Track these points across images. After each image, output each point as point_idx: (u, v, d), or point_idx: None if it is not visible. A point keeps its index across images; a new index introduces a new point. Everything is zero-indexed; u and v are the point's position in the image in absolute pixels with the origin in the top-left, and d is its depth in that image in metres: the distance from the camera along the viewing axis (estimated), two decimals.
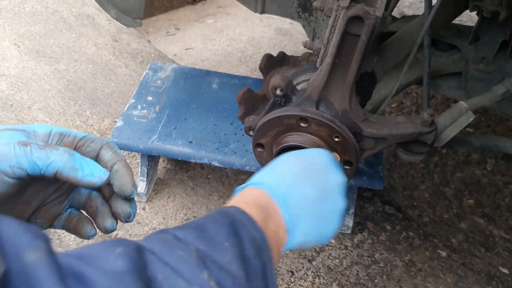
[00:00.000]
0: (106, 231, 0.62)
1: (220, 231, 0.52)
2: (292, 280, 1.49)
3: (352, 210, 1.61)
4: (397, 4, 1.54)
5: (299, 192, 0.66)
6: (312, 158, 0.72)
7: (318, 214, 0.67)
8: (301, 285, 1.48)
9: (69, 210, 0.65)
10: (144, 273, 0.43)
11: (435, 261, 1.59)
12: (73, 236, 1.35)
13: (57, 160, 0.55)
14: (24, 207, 0.60)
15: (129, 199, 0.62)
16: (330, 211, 0.69)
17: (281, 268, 1.51)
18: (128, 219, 0.62)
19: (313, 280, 1.49)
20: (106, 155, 0.60)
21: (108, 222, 0.62)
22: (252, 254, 0.53)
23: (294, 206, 0.64)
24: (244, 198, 0.63)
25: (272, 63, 1.22)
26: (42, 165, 0.54)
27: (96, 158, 0.60)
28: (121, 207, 0.61)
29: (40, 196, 0.61)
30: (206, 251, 0.50)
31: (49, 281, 0.36)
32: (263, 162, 1.02)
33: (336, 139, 0.94)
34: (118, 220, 0.63)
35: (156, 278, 0.44)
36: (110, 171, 0.59)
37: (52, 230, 1.32)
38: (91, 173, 0.56)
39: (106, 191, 0.64)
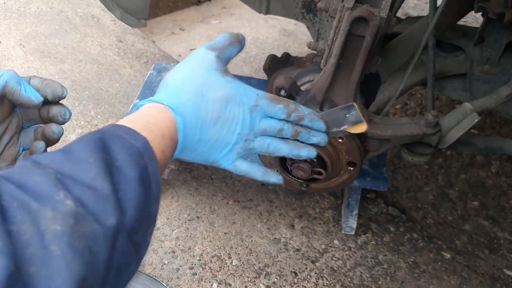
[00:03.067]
0: (55, 134, 0.69)
1: (86, 149, 0.53)
2: (296, 281, 1.49)
3: (355, 212, 1.61)
4: (402, 5, 1.53)
5: (201, 130, 0.69)
6: (232, 105, 0.72)
7: (201, 151, 0.71)
8: (305, 286, 1.48)
9: (23, 151, 0.73)
10: None
11: (439, 263, 1.58)
12: None
13: (6, 74, 0.64)
14: None
15: (61, 104, 0.71)
16: (210, 153, 0.72)
17: (284, 269, 1.51)
18: (64, 116, 0.69)
19: (317, 281, 1.49)
20: (36, 80, 0.69)
21: (53, 127, 0.69)
22: (124, 163, 0.53)
23: (183, 109, 0.67)
24: (135, 113, 0.65)
25: (276, 63, 1.22)
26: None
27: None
28: (56, 109, 0.69)
29: None
30: (67, 172, 0.50)
31: None
32: (266, 162, 1.02)
33: (340, 140, 0.93)
34: None
35: (11, 206, 0.44)
36: (42, 90, 0.68)
37: None
38: (30, 93, 0.65)
39: (46, 121, 0.71)
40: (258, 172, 0.79)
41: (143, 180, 0.54)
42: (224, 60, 0.76)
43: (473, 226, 1.74)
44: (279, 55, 1.23)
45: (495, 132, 2.08)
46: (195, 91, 0.69)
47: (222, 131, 0.71)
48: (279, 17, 2.06)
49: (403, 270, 1.55)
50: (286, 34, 2.85)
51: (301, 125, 0.79)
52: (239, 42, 0.79)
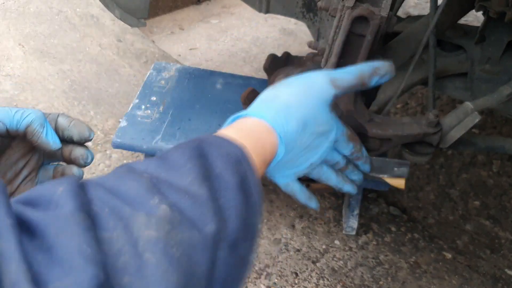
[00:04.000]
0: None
1: (183, 155, 0.50)
2: (296, 281, 1.48)
3: (356, 212, 1.60)
4: (403, 4, 1.53)
5: (294, 129, 0.66)
6: (310, 88, 0.69)
7: (307, 144, 0.69)
8: (305, 287, 1.47)
9: None
10: (88, 209, 0.42)
11: (440, 263, 1.58)
12: None
13: (33, 114, 0.64)
14: (1, 177, 0.67)
15: (85, 146, 0.70)
16: (307, 158, 0.71)
17: (285, 269, 1.51)
18: (86, 160, 0.68)
19: (317, 282, 1.49)
20: (64, 119, 0.68)
21: (74, 169, 0.69)
22: (223, 170, 0.50)
23: (287, 136, 0.65)
24: (231, 127, 0.63)
25: (277, 63, 1.21)
26: (18, 119, 0.63)
27: (55, 126, 0.68)
28: (78, 151, 0.68)
29: (13, 169, 0.68)
30: (162, 177, 0.47)
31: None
32: None
33: None
34: None
35: (102, 213, 0.42)
36: (68, 129, 0.68)
37: None
38: (50, 137, 0.65)
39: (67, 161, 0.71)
40: (303, 196, 0.79)
41: (244, 188, 0.51)
42: (340, 91, 0.72)
43: (474, 226, 1.73)
44: (279, 54, 1.22)
45: (496, 132, 2.08)
46: (303, 121, 0.67)
47: (301, 157, 0.70)
48: (279, 16, 2.06)
49: (404, 270, 1.55)
50: (286, 34, 2.85)
51: (352, 163, 0.81)
52: (370, 79, 0.75)
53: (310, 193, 0.81)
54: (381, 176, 0.89)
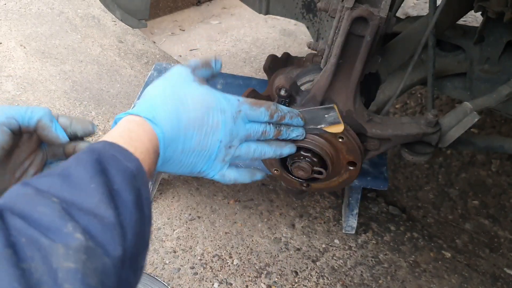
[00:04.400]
0: None
1: (85, 173, 0.51)
2: (296, 280, 1.49)
3: (356, 211, 1.61)
4: (402, 5, 1.54)
5: (184, 141, 0.68)
6: (215, 112, 0.72)
7: (188, 161, 0.71)
8: (305, 286, 1.48)
9: None
10: (8, 240, 0.43)
11: (440, 262, 1.59)
12: None
13: (41, 111, 0.67)
14: (11, 177, 0.69)
15: (87, 141, 0.73)
16: (193, 162, 0.72)
17: (285, 268, 1.52)
18: None
19: (317, 281, 1.49)
20: (64, 119, 0.71)
21: None
22: (122, 187, 0.52)
23: (171, 152, 0.67)
24: (116, 129, 0.64)
25: (277, 64, 1.22)
26: (29, 115, 0.65)
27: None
28: (83, 144, 0.71)
29: (21, 168, 0.70)
30: (71, 199, 0.49)
31: None
32: (267, 162, 1.03)
33: (340, 140, 0.94)
34: None
35: (19, 242, 0.43)
36: (71, 127, 0.70)
37: None
38: (59, 131, 0.68)
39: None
40: (246, 177, 0.80)
41: (138, 204, 0.53)
42: (199, 76, 0.75)
43: (474, 225, 1.74)
44: (279, 55, 1.23)
45: (495, 131, 2.09)
46: (174, 101, 0.68)
47: (207, 139, 0.71)
48: (279, 17, 2.06)
49: (404, 269, 1.55)
50: (286, 34, 2.85)
51: (282, 124, 0.82)
52: (209, 65, 0.78)
53: (249, 170, 0.81)
54: (318, 127, 0.90)
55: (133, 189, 0.53)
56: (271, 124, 0.79)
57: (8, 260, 0.41)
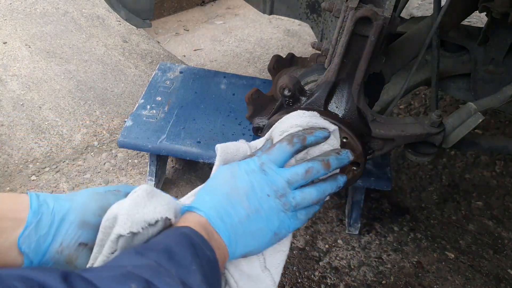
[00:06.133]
0: None
1: (186, 255, 0.59)
2: (299, 280, 1.49)
3: (359, 211, 1.61)
4: (406, 6, 1.54)
5: (232, 214, 0.71)
6: (245, 180, 0.74)
7: (252, 229, 0.72)
8: (308, 286, 1.48)
9: None
10: None
11: (443, 263, 1.58)
12: None
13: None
14: None
15: None
16: (261, 228, 0.73)
17: (288, 268, 1.52)
18: None
19: (320, 281, 1.50)
20: None
21: None
22: (209, 275, 0.60)
23: (228, 228, 0.70)
24: (191, 219, 0.69)
25: (281, 64, 1.22)
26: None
27: None
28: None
29: None
30: (182, 277, 0.56)
31: None
32: None
33: (344, 140, 0.94)
34: None
35: None
36: None
37: None
38: None
39: None
40: (317, 207, 0.80)
41: None
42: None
43: (477, 226, 1.74)
44: (283, 55, 1.23)
45: (500, 132, 2.08)
46: (209, 189, 0.74)
47: (251, 201, 0.72)
48: (283, 17, 2.07)
49: (407, 270, 1.55)
50: (290, 35, 2.86)
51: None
52: None
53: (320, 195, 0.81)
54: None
55: (214, 277, 0.61)
56: (311, 161, 0.78)
57: None
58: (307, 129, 0.82)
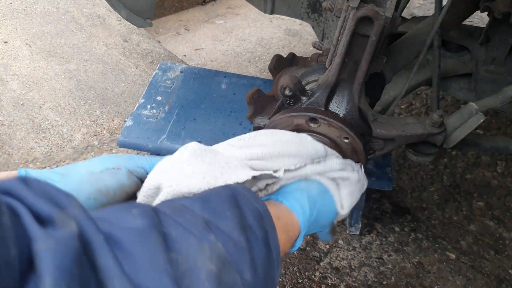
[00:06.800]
0: None
1: (222, 202, 0.56)
2: (300, 281, 1.49)
3: (360, 212, 1.60)
4: (407, 5, 1.53)
5: (310, 207, 0.74)
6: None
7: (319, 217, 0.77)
8: (309, 286, 1.48)
9: None
10: (160, 229, 0.46)
11: (444, 263, 1.58)
12: None
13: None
14: None
15: None
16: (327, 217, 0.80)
17: (288, 268, 1.51)
18: None
19: (321, 281, 1.49)
20: None
21: None
22: (253, 223, 0.56)
23: (307, 220, 0.73)
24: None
25: (282, 63, 1.22)
26: (150, 165, 0.69)
27: None
28: None
29: None
30: (210, 219, 0.53)
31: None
32: None
33: (345, 140, 0.94)
34: None
35: (170, 234, 0.47)
36: None
37: None
38: None
39: None
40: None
41: (266, 244, 0.56)
42: None
43: (478, 226, 1.73)
44: (284, 55, 1.23)
45: (501, 132, 2.08)
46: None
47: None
48: (284, 17, 2.06)
49: (408, 270, 1.55)
50: (291, 34, 2.85)
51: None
52: None
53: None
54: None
55: (262, 228, 0.57)
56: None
57: (159, 245, 0.44)
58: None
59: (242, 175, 0.66)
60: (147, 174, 0.67)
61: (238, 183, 0.63)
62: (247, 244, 0.53)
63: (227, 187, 0.60)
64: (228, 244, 0.51)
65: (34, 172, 0.63)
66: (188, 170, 0.61)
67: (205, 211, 0.54)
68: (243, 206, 0.57)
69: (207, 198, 0.57)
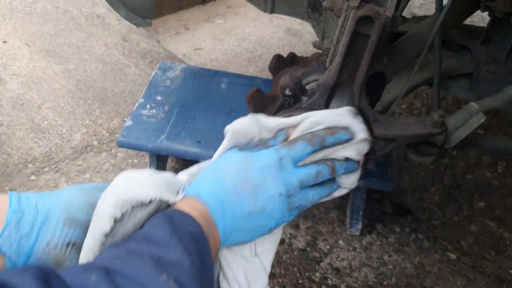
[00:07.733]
0: None
1: (165, 231, 0.57)
2: (300, 281, 1.48)
3: (361, 212, 1.60)
4: (408, 5, 1.53)
5: (235, 208, 0.67)
6: (259, 176, 0.70)
7: (251, 226, 0.69)
8: (309, 287, 1.47)
9: None
10: None
11: (445, 264, 1.57)
12: None
13: None
14: None
15: None
16: (260, 224, 0.70)
17: (289, 269, 1.51)
18: None
19: (321, 282, 1.49)
20: None
21: None
22: (191, 248, 0.57)
23: (227, 221, 0.67)
24: (190, 203, 0.65)
25: (282, 63, 1.21)
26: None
27: None
28: None
29: None
30: (159, 254, 0.54)
31: None
32: None
33: None
34: None
35: None
36: None
37: None
38: None
39: None
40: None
41: (204, 266, 0.58)
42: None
43: (479, 226, 1.73)
44: (284, 54, 1.22)
45: (502, 132, 2.07)
46: (212, 174, 0.70)
47: (260, 198, 0.68)
48: (284, 16, 2.06)
49: (409, 271, 1.54)
50: (291, 34, 2.85)
51: (332, 159, 0.75)
52: None
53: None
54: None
55: (199, 252, 0.58)
56: (322, 162, 0.74)
57: None
58: (329, 128, 0.76)
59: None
60: None
61: (173, 209, 0.63)
62: (193, 268, 0.55)
63: (164, 215, 0.60)
64: (181, 275, 0.52)
65: (28, 194, 0.63)
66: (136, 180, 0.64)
67: (151, 247, 0.55)
68: (179, 229, 0.58)
69: (148, 233, 0.57)
